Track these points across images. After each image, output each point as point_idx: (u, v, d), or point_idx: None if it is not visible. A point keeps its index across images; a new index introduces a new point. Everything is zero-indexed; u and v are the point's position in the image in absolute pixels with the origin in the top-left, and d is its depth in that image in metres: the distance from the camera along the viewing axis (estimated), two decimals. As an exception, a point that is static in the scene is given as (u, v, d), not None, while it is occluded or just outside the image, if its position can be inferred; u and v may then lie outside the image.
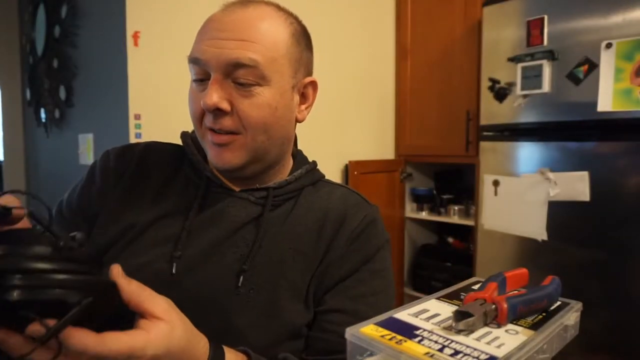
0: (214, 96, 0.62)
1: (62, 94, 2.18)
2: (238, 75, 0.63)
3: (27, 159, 2.92)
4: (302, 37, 0.70)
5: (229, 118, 0.64)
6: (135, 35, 1.61)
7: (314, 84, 0.73)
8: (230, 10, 0.66)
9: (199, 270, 0.66)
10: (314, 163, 0.80)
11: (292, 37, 0.68)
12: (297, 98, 0.71)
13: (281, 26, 0.67)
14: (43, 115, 2.45)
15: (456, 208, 2.43)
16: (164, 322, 0.47)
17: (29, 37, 2.58)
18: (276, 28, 0.66)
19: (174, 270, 0.64)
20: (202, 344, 0.53)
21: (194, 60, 0.65)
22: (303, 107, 0.73)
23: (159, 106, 1.68)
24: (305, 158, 0.81)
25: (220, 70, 0.63)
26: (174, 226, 0.68)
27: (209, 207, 0.70)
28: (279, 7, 0.69)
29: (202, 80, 0.66)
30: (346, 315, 0.67)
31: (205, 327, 0.55)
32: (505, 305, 0.42)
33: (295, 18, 0.71)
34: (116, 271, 0.46)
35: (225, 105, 0.63)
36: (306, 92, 0.73)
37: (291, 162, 0.79)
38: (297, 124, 0.75)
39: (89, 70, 1.98)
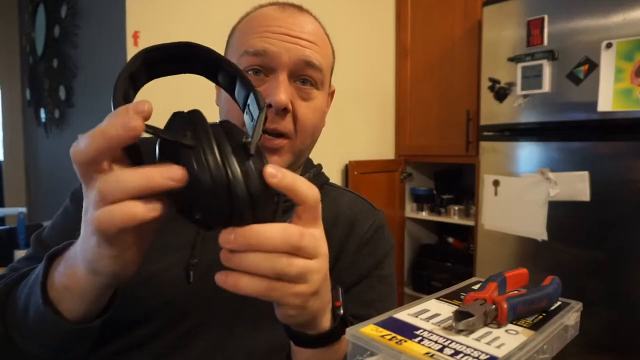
0: (284, 95, 0.61)
1: (62, 94, 2.18)
2: (305, 73, 0.64)
3: (27, 159, 2.92)
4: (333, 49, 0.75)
5: (288, 119, 0.64)
6: (135, 35, 1.61)
7: (333, 93, 0.78)
8: (289, 13, 0.66)
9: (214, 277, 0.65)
10: (320, 166, 0.80)
11: (332, 49, 0.72)
12: None
13: (327, 37, 0.71)
14: (43, 115, 2.45)
15: (456, 208, 2.43)
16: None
17: (29, 37, 2.58)
18: (326, 38, 0.71)
19: (191, 279, 0.63)
20: None
21: (258, 53, 0.63)
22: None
23: (159, 107, 1.68)
24: (311, 161, 0.82)
25: (289, 67, 0.63)
26: (185, 231, 0.66)
27: None
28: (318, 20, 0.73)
29: (257, 72, 0.64)
30: (358, 321, 0.67)
31: (211, 328, 0.54)
32: (505, 305, 0.42)
33: None
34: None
35: (290, 107, 0.63)
36: (327, 100, 0.76)
37: None
38: None
39: (89, 70, 1.98)
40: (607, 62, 1.63)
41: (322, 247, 0.42)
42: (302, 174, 0.76)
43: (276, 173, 0.37)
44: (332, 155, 2.26)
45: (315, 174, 0.77)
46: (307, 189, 0.40)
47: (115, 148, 0.35)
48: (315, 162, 0.81)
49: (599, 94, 1.65)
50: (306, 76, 0.64)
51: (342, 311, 0.49)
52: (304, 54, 0.63)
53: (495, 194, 2.01)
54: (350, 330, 0.41)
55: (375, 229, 0.74)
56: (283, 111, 0.63)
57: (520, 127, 1.92)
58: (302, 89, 0.64)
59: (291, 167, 0.70)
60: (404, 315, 0.44)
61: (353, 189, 0.83)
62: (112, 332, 0.61)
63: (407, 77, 2.52)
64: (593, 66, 1.67)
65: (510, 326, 0.42)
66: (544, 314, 0.46)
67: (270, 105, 0.62)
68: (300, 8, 0.69)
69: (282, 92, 0.61)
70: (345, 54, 2.26)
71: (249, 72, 0.64)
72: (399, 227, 2.56)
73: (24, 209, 2.09)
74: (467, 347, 0.38)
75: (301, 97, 0.65)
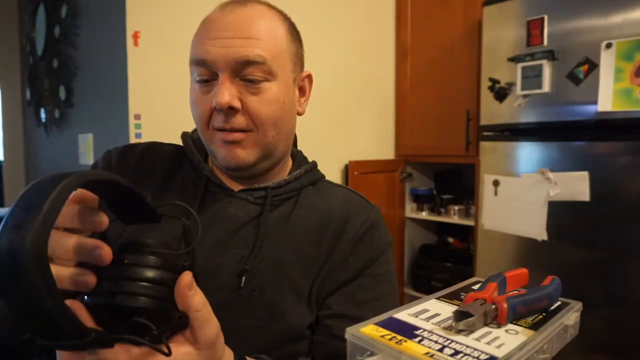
0: (226, 95, 0.62)
1: (62, 94, 2.18)
2: (247, 72, 0.64)
3: (27, 159, 2.92)
4: (295, 33, 0.72)
5: (240, 116, 0.65)
6: (135, 35, 1.61)
7: (310, 77, 0.76)
8: (228, 10, 0.66)
9: (202, 271, 0.65)
10: (314, 163, 0.80)
11: (288, 33, 0.70)
12: (297, 92, 0.73)
13: (278, 22, 0.69)
14: (43, 115, 2.45)
15: (456, 208, 2.43)
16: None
17: (29, 37, 2.58)
18: (275, 24, 0.68)
19: None
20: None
21: (199, 62, 0.64)
22: (302, 100, 0.75)
23: (159, 106, 1.68)
24: (305, 158, 0.81)
25: (228, 69, 0.63)
26: (175, 226, 0.68)
27: (209, 208, 0.70)
28: (270, 5, 0.71)
29: (206, 81, 0.65)
30: (352, 322, 0.67)
31: None
32: (505, 305, 0.42)
33: (286, 15, 0.72)
34: (185, 280, 0.43)
35: (237, 103, 0.64)
36: (304, 85, 0.75)
37: (291, 161, 0.79)
38: (297, 118, 0.76)
39: (89, 70, 1.98)
40: (607, 62, 1.63)
41: None
42: (293, 171, 0.76)
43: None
44: (332, 155, 2.26)
45: (308, 170, 0.77)
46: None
47: None
48: (315, 162, 0.81)
49: (598, 94, 1.65)
50: (248, 74, 0.64)
51: None
52: (239, 55, 0.63)
53: (495, 194, 2.01)
54: (350, 330, 0.41)
55: (369, 226, 0.73)
56: (231, 110, 0.63)
57: (520, 127, 1.92)
58: (248, 85, 0.65)
59: (264, 161, 0.70)
60: (404, 315, 0.44)
61: (353, 188, 0.83)
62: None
63: (407, 77, 2.52)
64: (593, 66, 1.67)
65: (510, 326, 0.42)
66: (544, 314, 0.46)
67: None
68: (241, 1, 0.68)
69: (221, 93, 0.62)
70: (345, 54, 2.26)
71: (199, 84, 0.66)
72: (399, 227, 2.56)
73: (24, 209, 2.09)
74: (467, 347, 0.38)
75: (250, 92, 0.65)
